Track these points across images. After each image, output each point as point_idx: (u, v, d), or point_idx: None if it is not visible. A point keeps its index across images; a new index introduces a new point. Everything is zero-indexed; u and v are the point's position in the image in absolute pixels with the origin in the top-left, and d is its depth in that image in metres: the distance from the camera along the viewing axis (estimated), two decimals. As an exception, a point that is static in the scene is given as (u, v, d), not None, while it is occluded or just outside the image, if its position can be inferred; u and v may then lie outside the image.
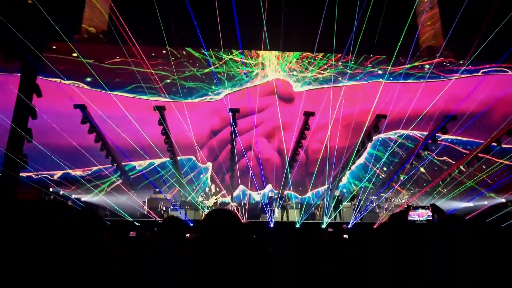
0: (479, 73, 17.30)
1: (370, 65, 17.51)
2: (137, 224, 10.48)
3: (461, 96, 15.16)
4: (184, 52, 16.88)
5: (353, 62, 17.38)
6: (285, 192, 14.26)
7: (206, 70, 16.93)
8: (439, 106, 14.87)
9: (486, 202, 15.12)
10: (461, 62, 16.70)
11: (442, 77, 16.92)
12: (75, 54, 15.66)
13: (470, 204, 15.31)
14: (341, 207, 13.45)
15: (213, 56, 16.96)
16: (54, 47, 15.40)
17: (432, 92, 15.21)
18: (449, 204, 14.96)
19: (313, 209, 14.35)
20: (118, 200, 13.28)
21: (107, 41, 16.43)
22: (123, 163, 15.24)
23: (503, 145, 14.76)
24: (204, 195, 13.83)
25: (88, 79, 15.95)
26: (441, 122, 13.71)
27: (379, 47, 16.57)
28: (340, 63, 17.47)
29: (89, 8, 16.23)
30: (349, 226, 11.76)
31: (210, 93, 16.82)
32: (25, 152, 9.93)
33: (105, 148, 14.10)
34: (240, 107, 14.65)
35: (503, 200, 14.57)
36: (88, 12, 16.28)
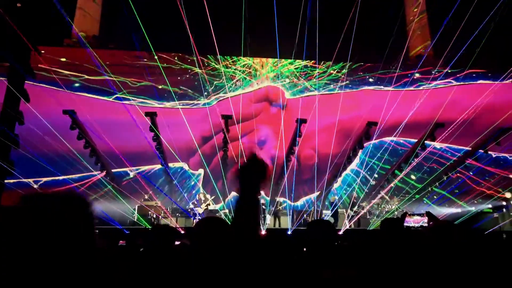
0: (468, 82, 17.62)
1: (361, 73, 17.69)
2: (127, 232, 10.35)
3: (449, 103, 15.41)
4: (176, 58, 16.84)
5: (344, 70, 17.55)
6: (277, 199, 14.24)
7: (199, 76, 16.90)
8: (428, 113, 15.09)
9: (473, 208, 15.33)
10: (449, 71, 16.99)
11: (431, 84, 17.17)
12: (63, 59, 15.49)
13: (458, 210, 15.50)
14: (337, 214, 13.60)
15: (205, 63, 16.95)
16: (43, 51, 15.24)
17: (422, 99, 15.41)
18: (437, 210, 15.11)
19: (305, 215, 14.37)
20: (108, 207, 13.07)
21: (97, 45, 16.31)
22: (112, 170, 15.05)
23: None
24: (195, 202, 13.74)
25: (77, 85, 15.77)
26: (431, 130, 13.93)
27: (370, 55, 16.78)
28: (332, 71, 17.62)
29: (80, 13, 16.10)
30: (340, 232, 11.79)
31: (202, 99, 16.78)
32: (12, 158, 9.73)
33: (95, 154, 13.94)
34: (232, 114, 14.64)
35: (490, 206, 14.77)
36: (79, 17, 16.16)
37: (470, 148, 15.68)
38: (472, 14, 10.91)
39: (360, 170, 16.52)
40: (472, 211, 14.49)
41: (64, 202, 1.06)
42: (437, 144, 15.73)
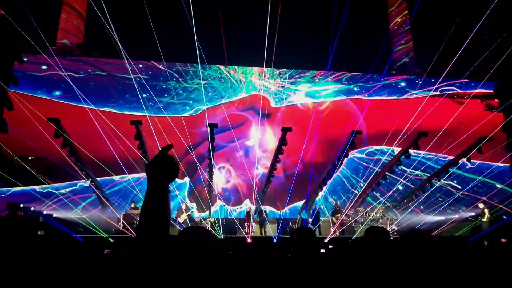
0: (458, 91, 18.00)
1: (346, 82, 17.94)
2: (112, 240, 10.18)
3: (432, 113, 15.73)
4: (160, 66, 16.82)
5: (329, 79, 17.78)
6: (263, 207, 14.25)
7: (185, 84, 16.91)
8: (412, 122, 15.35)
9: (456, 216, 15.58)
10: (432, 80, 17.37)
11: (414, 94, 17.52)
12: (44, 67, 15.30)
13: (442, 217, 15.73)
14: (320, 222, 13.64)
15: (191, 71, 16.97)
16: (25, 59, 15.06)
17: (406, 108, 15.69)
18: (422, 218, 15.33)
19: (290, 223, 14.39)
20: (93, 215, 12.87)
21: (82, 53, 16.20)
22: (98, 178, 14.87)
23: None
24: (179, 211, 13.67)
25: (57, 93, 15.53)
26: (414, 139, 14.18)
27: (355, 64, 17.07)
28: (317, 80, 17.82)
29: (64, 21, 16.00)
30: (325, 241, 11.84)
31: (188, 107, 16.76)
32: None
33: (79, 162, 13.76)
34: (218, 122, 14.67)
35: (473, 214, 15.05)
36: (63, 25, 16.05)
37: (453, 156, 16.00)
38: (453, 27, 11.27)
39: (345, 179, 16.66)
40: (453, 219, 14.75)
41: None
42: (421, 152, 16.00)
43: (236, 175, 16.48)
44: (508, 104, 14.95)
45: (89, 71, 15.72)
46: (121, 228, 12.63)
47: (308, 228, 3.04)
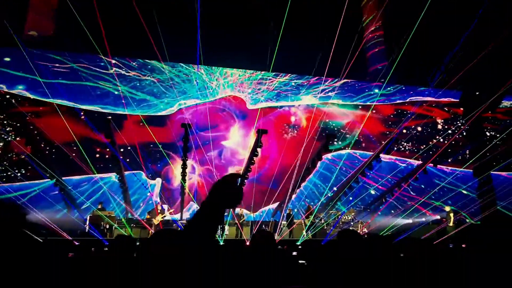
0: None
1: (322, 87, 18.12)
2: (77, 243, 9.75)
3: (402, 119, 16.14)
4: (134, 64, 16.38)
5: (307, 83, 17.93)
6: (237, 210, 14.13)
7: (160, 83, 16.55)
8: (382, 127, 15.70)
9: (424, 219, 16.06)
10: (403, 87, 17.85)
11: (386, 100, 17.95)
12: (7, 59, 14.56)
13: (410, 220, 16.17)
14: (293, 224, 13.68)
15: (166, 69, 16.64)
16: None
17: (378, 115, 16.01)
18: (390, 221, 15.68)
19: (263, 226, 14.34)
20: (56, 216, 12.30)
21: (52, 47, 15.53)
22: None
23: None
24: (152, 213, 13.29)
25: (20, 87, 14.75)
26: (386, 144, 14.52)
27: (331, 70, 17.26)
28: (294, 83, 17.92)
29: (34, 12, 15.28)
30: (297, 243, 11.86)
31: (162, 105, 16.41)
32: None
33: (44, 160, 13.16)
34: (193, 123, 14.46)
35: (438, 217, 15.54)
36: (32, 16, 15.33)
37: (421, 162, 16.52)
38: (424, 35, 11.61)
39: (319, 182, 16.80)
40: (421, 222, 15.19)
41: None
42: (392, 157, 16.39)
43: (205, 175, 16.27)
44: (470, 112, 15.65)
45: (57, 65, 15.09)
46: (87, 230, 12.13)
47: (265, 230, 3.01)
